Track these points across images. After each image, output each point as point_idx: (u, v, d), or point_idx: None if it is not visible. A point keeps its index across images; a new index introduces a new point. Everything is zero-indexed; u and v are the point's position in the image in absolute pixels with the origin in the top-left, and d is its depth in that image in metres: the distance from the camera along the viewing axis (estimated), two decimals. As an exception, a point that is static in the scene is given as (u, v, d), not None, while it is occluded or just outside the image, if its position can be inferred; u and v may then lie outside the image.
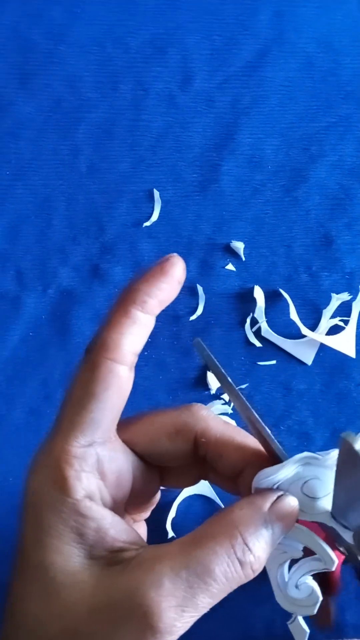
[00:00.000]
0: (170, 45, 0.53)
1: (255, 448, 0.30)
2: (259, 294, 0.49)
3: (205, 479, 0.33)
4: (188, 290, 0.49)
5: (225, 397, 0.48)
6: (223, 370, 0.28)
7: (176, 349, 0.48)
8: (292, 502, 0.28)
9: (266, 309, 0.49)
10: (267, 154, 0.52)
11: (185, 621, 0.25)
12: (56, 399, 0.47)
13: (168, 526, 0.45)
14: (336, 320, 0.49)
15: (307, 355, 0.48)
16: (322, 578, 0.32)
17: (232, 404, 0.48)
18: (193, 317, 0.49)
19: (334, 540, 0.30)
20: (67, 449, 0.26)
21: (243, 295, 0.49)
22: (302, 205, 0.51)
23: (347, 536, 0.29)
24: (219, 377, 0.29)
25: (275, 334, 0.48)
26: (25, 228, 0.50)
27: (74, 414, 0.27)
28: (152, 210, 0.50)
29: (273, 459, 0.30)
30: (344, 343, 0.48)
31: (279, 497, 0.28)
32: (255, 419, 0.29)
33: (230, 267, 0.50)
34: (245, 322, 0.49)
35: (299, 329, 0.48)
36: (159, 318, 0.48)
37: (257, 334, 0.49)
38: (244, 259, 0.50)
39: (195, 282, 0.49)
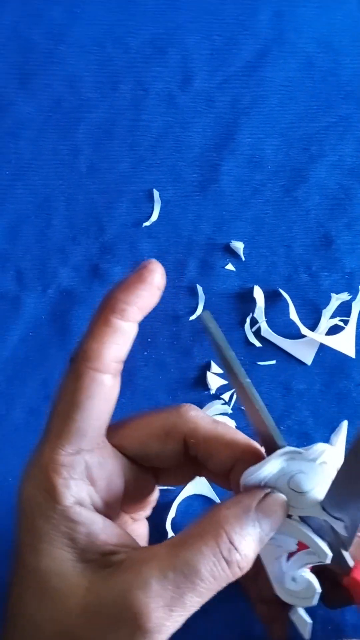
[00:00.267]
0: (170, 45, 0.53)
1: (244, 444, 0.31)
2: (258, 294, 0.49)
3: (200, 476, 0.34)
4: (188, 290, 0.49)
5: (225, 397, 0.48)
6: (229, 350, 0.28)
7: (176, 349, 0.48)
8: (279, 498, 0.29)
9: (266, 309, 0.49)
10: (267, 154, 0.52)
11: (174, 620, 0.25)
12: (56, 399, 0.47)
13: (168, 526, 0.45)
14: (336, 320, 0.49)
15: (306, 355, 0.48)
16: (338, 585, 0.33)
17: (230, 405, 0.48)
18: (193, 317, 0.49)
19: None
20: (55, 458, 0.27)
21: (243, 295, 0.49)
22: (302, 205, 0.51)
23: (339, 527, 0.29)
24: (223, 356, 0.29)
25: (275, 334, 0.48)
26: (25, 228, 0.50)
27: (60, 423, 0.28)
28: (152, 210, 0.50)
29: (272, 446, 0.30)
30: (343, 343, 0.48)
31: (266, 495, 0.28)
32: (259, 406, 0.30)
33: (230, 267, 0.50)
34: (245, 322, 0.49)
35: (298, 329, 0.48)
36: (158, 318, 0.49)
37: (257, 334, 0.49)
38: (243, 259, 0.50)
39: (194, 282, 0.49)
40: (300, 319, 0.49)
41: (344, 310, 0.49)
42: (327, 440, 0.47)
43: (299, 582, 0.31)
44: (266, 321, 0.49)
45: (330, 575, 0.36)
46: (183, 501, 0.46)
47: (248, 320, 0.49)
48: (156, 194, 0.50)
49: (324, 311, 0.49)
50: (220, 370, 0.48)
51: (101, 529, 0.27)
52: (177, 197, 0.51)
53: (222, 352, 0.29)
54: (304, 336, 0.48)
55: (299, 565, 0.31)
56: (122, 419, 0.31)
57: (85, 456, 0.28)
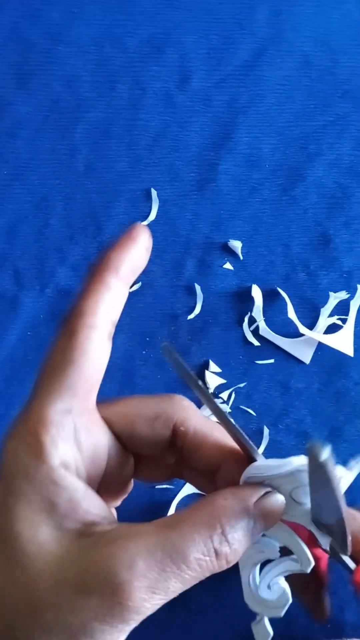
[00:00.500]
0: (167, 45, 0.53)
1: (233, 445, 0.30)
2: (256, 292, 0.49)
3: (179, 477, 0.33)
4: (186, 290, 0.49)
5: (224, 395, 0.48)
6: (192, 374, 0.27)
7: (174, 348, 0.48)
8: (279, 500, 0.28)
9: (264, 307, 0.49)
10: (264, 153, 0.52)
11: (154, 603, 0.25)
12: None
13: (166, 525, 0.45)
14: (334, 319, 0.49)
15: (305, 354, 0.48)
16: (311, 573, 0.32)
17: (229, 404, 0.48)
18: (191, 316, 0.49)
19: (315, 540, 0.30)
20: (44, 413, 0.26)
21: (241, 294, 0.49)
22: (300, 204, 0.51)
23: (324, 542, 0.29)
24: (189, 380, 0.28)
25: (273, 333, 0.48)
26: (22, 228, 0.50)
27: (51, 379, 0.27)
28: (150, 210, 0.50)
29: (248, 458, 0.30)
30: (342, 342, 0.48)
31: (266, 493, 0.28)
32: (227, 419, 0.29)
33: (228, 266, 0.50)
34: (243, 321, 0.49)
35: (297, 328, 0.48)
36: (156, 317, 0.49)
37: (255, 332, 0.49)
38: (241, 257, 0.50)
39: (193, 281, 0.49)
40: (299, 318, 0.49)
41: (342, 309, 0.49)
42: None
43: (274, 590, 0.31)
44: (264, 320, 0.49)
45: (309, 588, 0.37)
46: (182, 500, 0.46)
47: (246, 319, 0.49)
48: (154, 193, 0.50)
49: (322, 310, 0.49)
50: (219, 369, 0.48)
51: (83, 497, 0.26)
52: (174, 196, 0.51)
53: (190, 382, 0.28)
54: (302, 335, 0.48)
55: (277, 573, 0.31)
56: (113, 398, 0.31)
57: (75, 417, 0.27)
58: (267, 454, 0.47)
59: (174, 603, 0.45)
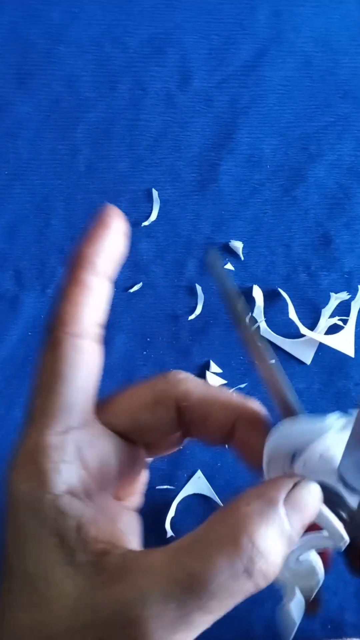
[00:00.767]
0: (168, 45, 0.53)
1: (242, 402, 0.28)
2: (257, 293, 0.49)
3: (191, 437, 0.30)
4: (187, 290, 0.49)
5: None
6: (237, 296, 0.25)
7: (175, 349, 0.48)
8: (313, 488, 0.24)
9: (265, 308, 0.49)
10: (265, 154, 0.52)
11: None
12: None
13: (167, 526, 0.45)
14: (335, 320, 0.49)
15: (306, 355, 0.48)
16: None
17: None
18: (192, 317, 0.49)
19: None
20: (41, 439, 0.24)
21: (242, 295, 0.49)
22: (301, 205, 0.51)
23: (353, 500, 0.26)
24: (230, 299, 0.26)
25: (274, 334, 0.48)
26: (23, 228, 0.50)
27: (43, 400, 0.25)
28: (151, 210, 0.50)
29: (284, 409, 0.27)
30: (342, 342, 0.48)
31: (296, 484, 0.24)
32: (267, 359, 0.26)
33: (229, 266, 0.50)
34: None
35: (297, 329, 0.48)
36: (157, 318, 0.49)
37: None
38: (242, 258, 0.50)
39: (194, 282, 0.49)
40: (300, 319, 0.49)
41: (343, 309, 0.49)
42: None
43: (304, 565, 0.28)
44: (265, 321, 0.49)
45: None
46: (182, 500, 0.46)
47: (247, 319, 0.49)
48: (155, 193, 0.50)
49: (323, 310, 0.49)
50: (219, 370, 0.48)
51: (92, 522, 0.24)
52: (176, 196, 0.51)
53: (228, 299, 0.26)
54: (303, 335, 0.48)
55: (308, 548, 0.28)
56: (108, 396, 0.29)
57: (76, 434, 0.25)
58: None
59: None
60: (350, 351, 0.48)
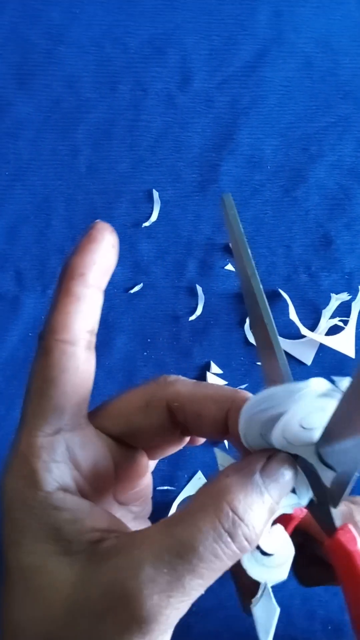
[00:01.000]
0: (169, 46, 0.53)
1: (232, 393, 0.28)
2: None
3: (188, 435, 0.31)
4: (187, 291, 0.49)
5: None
6: (244, 237, 0.25)
7: (175, 349, 0.48)
8: (287, 459, 0.26)
9: (265, 309, 0.49)
10: (266, 154, 0.52)
11: (174, 607, 0.23)
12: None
13: (168, 526, 0.45)
14: (335, 321, 0.49)
15: (306, 356, 0.48)
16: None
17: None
18: (192, 318, 0.49)
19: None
20: (32, 440, 0.25)
21: (242, 296, 0.49)
22: (302, 206, 0.51)
23: (327, 477, 0.27)
24: (237, 242, 0.26)
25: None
26: (24, 228, 0.50)
27: (35, 403, 0.26)
28: (152, 211, 0.50)
29: (272, 374, 0.27)
30: (343, 343, 0.48)
31: (271, 456, 0.26)
32: (266, 313, 0.27)
33: (229, 267, 0.50)
34: (244, 322, 0.49)
35: (298, 329, 0.48)
36: (158, 318, 0.49)
37: (257, 334, 0.49)
38: (243, 259, 0.50)
39: (194, 283, 0.49)
40: (300, 319, 0.49)
41: (343, 310, 0.49)
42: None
43: (274, 536, 0.28)
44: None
45: (307, 550, 0.34)
46: (183, 501, 0.46)
47: (247, 320, 0.49)
48: (155, 194, 0.50)
49: (323, 311, 0.49)
50: (220, 371, 0.48)
51: (88, 513, 0.25)
52: (176, 197, 0.51)
53: (236, 246, 0.26)
54: (303, 336, 0.48)
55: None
56: (102, 402, 0.30)
57: (66, 436, 0.26)
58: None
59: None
60: (350, 352, 0.48)
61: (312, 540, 0.34)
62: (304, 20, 0.54)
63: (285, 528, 0.29)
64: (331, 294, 0.49)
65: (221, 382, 0.48)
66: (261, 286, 0.27)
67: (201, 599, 0.46)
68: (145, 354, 0.48)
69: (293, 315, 0.48)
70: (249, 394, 0.28)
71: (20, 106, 0.52)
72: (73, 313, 0.26)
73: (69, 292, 0.26)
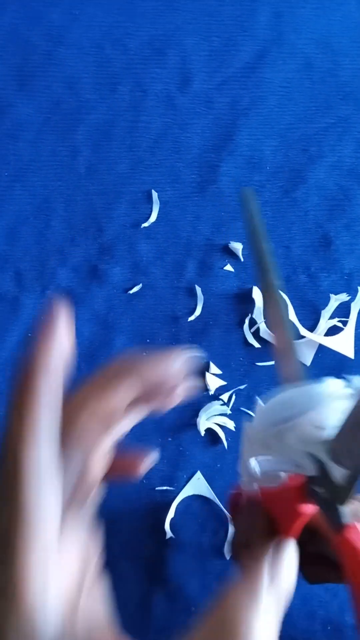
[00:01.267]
0: (168, 47, 0.53)
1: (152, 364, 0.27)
2: (257, 294, 0.49)
3: None
4: (186, 291, 0.49)
5: (224, 397, 0.48)
6: (265, 238, 0.25)
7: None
8: (289, 551, 0.26)
9: (265, 309, 0.49)
10: (265, 155, 0.52)
11: None
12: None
13: (167, 527, 0.45)
14: (335, 321, 0.49)
15: (305, 356, 0.48)
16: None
17: (229, 406, 0.48)
18: (192, 318, 0.49)
19: (304, 495, 0.29)
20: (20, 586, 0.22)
21: (242, 296, 0.49)
22: (301, 206, 0.51)
23: (337, 474, 0.27)
24: (256, 237, 0.26)
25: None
26: (24, 229, 0.50)
27: (8, 548, 0.22)
28: (151, 211, 0.50)
29: (287, 371, 0.27)
30: (342, 344, 0.48)
31: (274, 565, 0.26)
32: (283, 317, 0.27)
33: (228, 267, 0.50)
34: (243, 322, 0.49)
35: (297, 330, 0.48)
36: (157, 319, 0.49)
37: (256, 334, 0.49)
38: (242, 259, 0.50)
39: (193, 283, 0.49)
40: (299, 320, 0.49)
41: (342, 311, 0.49)
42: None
43: (270, 475, 0.30)
44: (265, 322, 0.49)
45: (314, 548, 0.35)
46: (182, 502, 0.46)
47: (247, 321, 0.49)
48: (155, 195, 0.51)
49: (322, 312, 0.49)
50: (219, 371, 0.48)
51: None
52: (175, 198, 0.51)
53: (255, 240, 0.26)
54: (302, 337, 0.48)
55: (276, 469, 0.30)
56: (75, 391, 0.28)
57: (47, 569, 0.22)
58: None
59: (175, 605, 0.45)
60: (350, 352, 0.48)
61: (319, 538, 0.34)
62: (304, 21, 0.54)
63: (295, 525, 0.30)
64: (330, 294, 0.49)
65: (220, 382, 0.48)
66: (278, 284, 0.27)
67: (200, 598, 0.46)
68: (144, 354, 0.48)
69: (292, 315, 0.48)
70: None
71: (20, 107, 0.52)
72: (36, 435, 0.23)
73: (29, 390, 0.24)
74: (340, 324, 0.49)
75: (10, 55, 0.52)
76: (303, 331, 0.48)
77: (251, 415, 0.48)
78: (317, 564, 0.37)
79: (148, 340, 0.49)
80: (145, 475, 0.46)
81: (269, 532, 0.32)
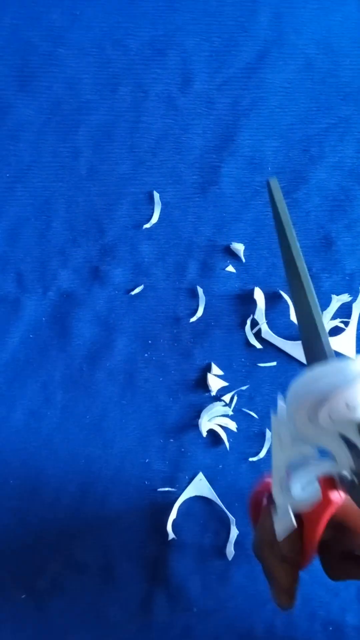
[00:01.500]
0: (169, 47, 0.53)
1: None
2: (259, 295, 0.49)
3: None
4: (188, 292, 0.49)
5: (226, 398, 0.48)
6: (291, 227, 0.27)
7: (176, 351, 0.48)
8: None
9: (266, 310, 0.49)
10: (267, 156, 0.52)
11: None
12: (56, 401, 0.47)
13: (169, 528, 0.45)
14: (336, 322, 0.49)
15: (307, 357, 0.48)
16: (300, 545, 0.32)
17: (231, 407, 0.48)
18: (193, 319, 0.49)
19: (333, 484, 0.30)
20: None
21: (243, 297, 0.49)
22: (302, 207, 0.51)
23: None
24: (283, 228, 0.27)
25: (276, 336, 0.49)
26: (25, 230, 0.50)
27: None
28: (152, 212, 0.50)
29: (314, 352, 0.28)
30: (344, 344, 0.48)
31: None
32: (311, 294, 0.28)
33: (230, 268, 0.50)
34: (245, 323, 0.49)
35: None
36: (159, 320, 0.49)
37: (258, 335, 0.49)
38: (244, 260, 0.50)
39: (195, 284, 0.49)
40: (301, 321, 0.49)
41: (344, 311, 0.49)
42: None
43: (307, 490, 0.30)
44: (267, 323, 0.49)
45: (341, 546, 0.35)
46: (184, 503, 0.46)
47: (249, 321, 0.49)
48: (156, 196, 0.50)
49: (324, 313, 0.49)
50: (221, 372, 0.48)
51: None
52: (177, 199, 0.51)
53: (283, 228, 0.27)
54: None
55: (312, 473, 0.30)
56: None
57: None
58: (269, 457, 0.47)
59: (176, 605, 0.45)
60: (351, 353, 0.48)
61: (346, 535, 0.35)
62: (305, 22, 0.54)
63: (324, 513, 0.31)
64: (332, 295, 0.49)
65: (222, 383, 0.48)
66: (306, 268, 0.29)
67: (203, 600, 0.46)
68: (146, 355, 0.48)
69: (294, 316, 0.48)
70: None
71: (21, 108, 0.52)
72: None
73: None
74: (342, 325, 0.49)
75: (10, 55, 0.52)
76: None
77: (253, 417, 0.48)
78: (343, 561, 0.37)
79: (150, 341, 0.49)
80: (147, 476, 0.46)
81: (297, 532, 0.33)
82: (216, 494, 0.46)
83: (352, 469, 0.29)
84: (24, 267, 0.49)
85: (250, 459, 0.48)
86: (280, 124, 0.52)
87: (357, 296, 0.49)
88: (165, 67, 0.52)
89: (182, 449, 0.47)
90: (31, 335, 0.49)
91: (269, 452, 0.47)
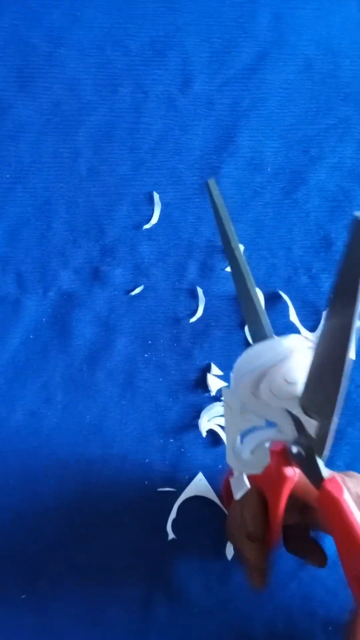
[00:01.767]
0: (169, 48, 0.53)
1: None
2: (258, 295, 0.49)
3: None
4: (188, 293, 0.49)
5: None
6: (228, 218, 0.29)
7: (176, 351, 0.49)
8: None
9: (266, 310, 0.49)
10: (266, 156, 0.52)
11: None
12: (56, 402, 0.47)
13: (168, 528, 0.45)
14: (336, 322, 0.49)
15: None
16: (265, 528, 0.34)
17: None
18: (193, 319, 0.49)
19: (287, 457, 0.32)
20: None
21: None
22: (302, 207, 0.51)
23: (311, 427, 0.29)
24: (222, 224, 0.30)
25: (275, 336, 0.49)
26: (25, 231, 0.50)
27: None
28: (152, 213, 0.50)
29: (256, 332, 0.31)
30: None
31: None
32: (250, 284, 0.31)
33: (229, 269, 0.50)
34: (245, 324, 0.49)
35: (299, 331, 0.48)
36: (159, 320, 0.49)
37: (257, 336, 0.49)
38: (243, 261, 0.50)
39: (195, 285, 0.49)
40: (301, 321, 0.49)
41: (344, 312, 0.49)
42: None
43: (257, 453, 0.32)
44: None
45: (304, 530, 0.38)
46: (183, 503, 0.46)
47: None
48: (156, 196, 0.51)
49: (324, 313, 0.49)
50: (220, 372, 0.48)
51: None
52: (177, 199, 0.51)
53: (221, 223, 0.31)
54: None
55: (261, 439, 0.32)
56: None
57: None
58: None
59: (175, 605, 0.45)
60: (351, 353, 0.48)
61: (309, 514, 0.36)
62: (305, 23, 0.54)
63: (283, 491, 0.33)
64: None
65: (222, 383, 0.48)
66: (244, 257, 0.32)
67: (203, 600, 0.46)
68: (145, 355, 0.48)
69: (293, 316, 0.48)
70: None
71: (21, 109, 0.52)
72: None
73: None
74: (341, 325, 0.49)
75: (10, 56, 0.52)
76: (304, 332, 0.48)
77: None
78: (301, 540, 0.40)
79: (149, 342, 0.49)
80: (147, 476, 0.46)
81: (261, 510, 0.35)
82: (216, 494, 0.46)
83: (297, 441, 0.31)
84: (24, 267, 0.49)
85: (250, 459, 0.48)
86: (280, 124, 0.52)
87: (356, 296, 0.49)
88: (165, 68, 0.53)
89: (182, 449, 0.47)
90: (31, 336, 0.49)
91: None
